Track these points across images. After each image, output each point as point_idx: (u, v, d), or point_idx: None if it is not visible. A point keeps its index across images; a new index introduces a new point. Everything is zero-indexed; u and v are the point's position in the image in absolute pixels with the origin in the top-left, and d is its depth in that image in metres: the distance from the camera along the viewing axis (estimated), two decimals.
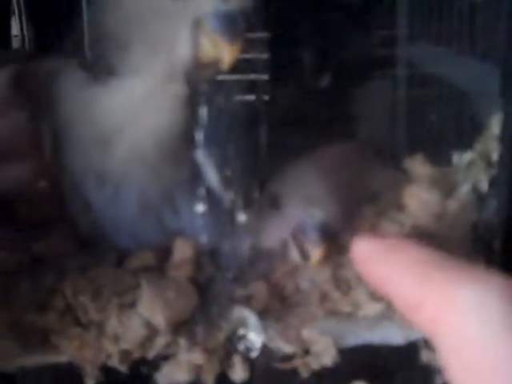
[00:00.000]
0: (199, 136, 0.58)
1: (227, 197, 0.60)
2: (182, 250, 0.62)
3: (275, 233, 0.67)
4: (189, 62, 0.60)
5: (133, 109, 0.61)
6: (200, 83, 0.59)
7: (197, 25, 0.59)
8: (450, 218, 0.65)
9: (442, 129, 0.80)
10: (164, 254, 0.64)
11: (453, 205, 0.66)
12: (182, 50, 0.60)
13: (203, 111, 0.58)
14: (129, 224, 0.65)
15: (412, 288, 0.46)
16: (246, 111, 0.60)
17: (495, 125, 0.66)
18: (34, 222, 0.67)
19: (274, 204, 0.67)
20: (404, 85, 0.98)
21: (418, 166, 0.71)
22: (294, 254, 0.67)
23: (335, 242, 0.66)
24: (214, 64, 0.59)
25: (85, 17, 0.63)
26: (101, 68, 0.62)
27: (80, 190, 0.65)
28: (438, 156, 0.73)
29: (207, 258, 0.62)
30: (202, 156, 0.61)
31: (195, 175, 0.61)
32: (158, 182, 0.63)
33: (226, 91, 0.59)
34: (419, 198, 0.66)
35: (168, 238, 0.64)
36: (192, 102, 0.60)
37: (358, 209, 0.71)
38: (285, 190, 0.68)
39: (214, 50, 0.58)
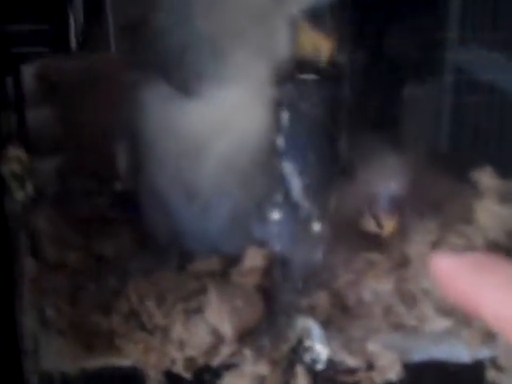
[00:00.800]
0: (283, 143, 0.57)
1: (305, 206, 0.58)
2: (253, 258, 0.61)
3: (350, 202, 0.67)
4: (290, 61, 0.58)
5: (224, 119, 0.59)
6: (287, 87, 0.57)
7: (294, 22, 0.57)
8: None
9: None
10: (229, 260, 0.63)
11: None
12: (283, 51, 0.57)
13: (286, 117, 0.56)
14: (212, 234, 0.62)
15: (506, 304, 0.44)
16: (328, 117, 0.58)
17: None
18: (98, 222, 0.66)
19: (350, 174, 0.67)
20: (465, 91, 0.96)
21: (486, 179, 0.69)
22: (370, 224, 0.67)
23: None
24: (313, 62, 0.57)
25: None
26: (188, 80, 0.59)
27: (164, 202, 0.63)
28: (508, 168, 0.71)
29: (277, 266, 0.61)
30: (286, 164, 0.58)
31: (276, 183, 0.59)
32: (249, 194, 0.61)
33: (309, 96, 0.57)
34: (490, 212, 0.65)
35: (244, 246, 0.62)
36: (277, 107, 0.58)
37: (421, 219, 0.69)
38: (361, 160, 0.67)
39: (313, 46, 0.57)
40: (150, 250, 0.65)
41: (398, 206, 0.65)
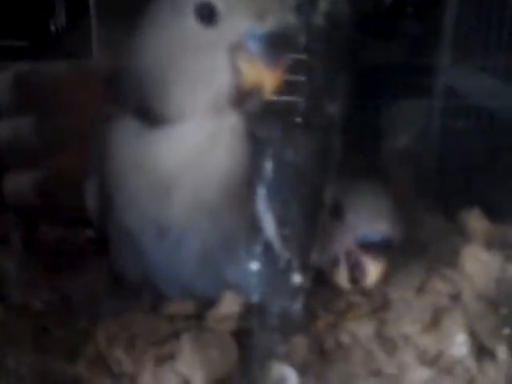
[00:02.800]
0: (261, 187, 0.54)
1: (284, 256, 0.55)
2: (229, 304, 0.58)
3: (334, 243, 0.64)
4: (232, 91, 0.55)
5: (189, 153, 0.56)
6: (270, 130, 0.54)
7: (234, 51, 0.55)
8: (509, 284, 0.61)
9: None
10: (204, 303, 0.60)
11: None
12: (223, 80, 0.55)
13: (267, 161, 0.53)
14: (183, 274, 0.59)
15: None
16: (312, 165, 0.55)
17: None
18: (67, 261, 0.62)
19: (337, 214, 0.64)
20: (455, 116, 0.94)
21: (474, 221, 0.67)
22: (343, 275, 0.64)
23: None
24: (258, 90, 0.55)
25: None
26: (153, 114, 0.57)
27: (133, 239, 0.59)
28: (498, 209, 0.69)
29: (253, 314, 0.58)
30: (262, 209, 0.56)
31: (254, 229, 0.56)
32: (220, 232, 0.58)
33: (294, 144, 0.53)
34: (478, 260, 0.62)
35: (218, 288, 0.59)
36: (255, 149, 0.55)
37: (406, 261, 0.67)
38: (349, 200, 0.64)
39: (256, 75, 0.54)
40: (121, 291, 0.61)
41: (385, 254, 0.63)
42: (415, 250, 0.69)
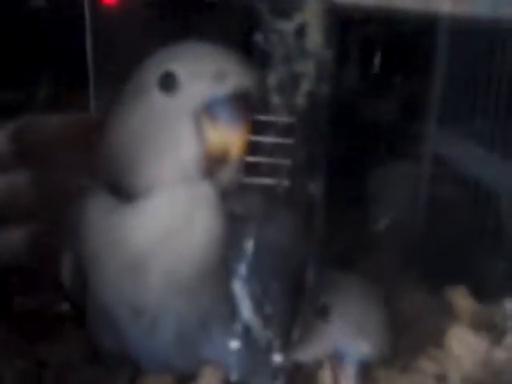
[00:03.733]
0: (237, 265, 0.53)
1: (263, 335, 0.54)
2: (209, 380, 0.56)
3: (318, 343, 0.62)
4: (200, 159, 0.55)
5: (161, 229, 0.54)
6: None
7: (197, 117, 0.54)
8: (496, 367, 0.60)
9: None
10: (183, 378, 0.58)
11: (500, 354, 0.60)
12: (189, 148, 0.55)
13: (245, 239, 0.52)
14: (160, 351, 0.58)
15: None
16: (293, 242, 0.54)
17: None
18: (40, 324, 0.60)
19: (323, 314, 0.62)
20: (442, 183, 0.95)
21: (460, 299, 0.66)
22: (326, 379, 0.61)
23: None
24: (225, 155, 0.54)
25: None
26: (123, 188, 0.56)
27: (109, 315, 0.57)
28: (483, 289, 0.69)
29: None
30: (238, 287, 0.54)
31: (233, 306, 0.55)
32: (195, 312, 0.56)
33: (272, 220, 0.53)
34: (464, 341, 0.61)
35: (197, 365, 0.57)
36: (232, 225, 0.54)
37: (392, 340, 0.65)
38: (337, 303, 0.62)
39: (221, 139, 0.54)
40: (99, 362, 0.59)
41: (364, 369, 0.61)
42: (400, 326, 0.67)
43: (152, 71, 0.56)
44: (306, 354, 0.61)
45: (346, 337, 0.61)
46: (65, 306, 0.62)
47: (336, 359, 0.61)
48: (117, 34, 0.90)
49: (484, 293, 0.71)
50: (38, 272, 0.64)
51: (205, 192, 0.55)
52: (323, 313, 0.62)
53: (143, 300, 0.55)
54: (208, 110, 0.54)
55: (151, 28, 0.91)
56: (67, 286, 0.61)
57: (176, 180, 0.55)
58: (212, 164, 0.55)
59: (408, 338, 0.67)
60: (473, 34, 0.85)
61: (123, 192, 0.56)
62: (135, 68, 0.58)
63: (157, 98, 0.55)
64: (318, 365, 0.61)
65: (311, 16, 0.52)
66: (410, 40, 0.99)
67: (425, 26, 0.89)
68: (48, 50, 0.89)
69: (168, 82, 0.55)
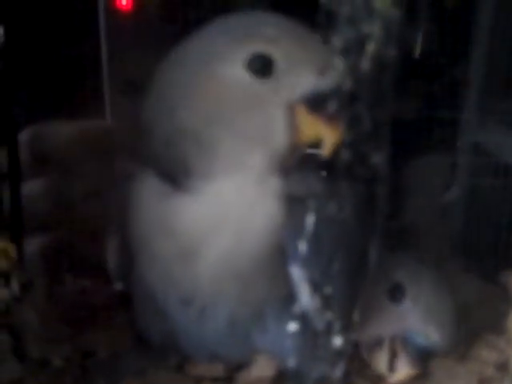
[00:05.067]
0: (297, 248, 0.50)
1: (322, 319, 0.51)
2: (263, 368, 0.54)
3: (382, 323, 0.60)
4: (288, 151, 0.52)
5: (221, 215, 0.52)
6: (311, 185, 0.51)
7: (292, 108, 0.51)
8: None
9: None
10: (234, 367, 0.56)
11: None
12: (280, 139, 0.51)
13: (307, 221, 0.49)
14: (210, 340, 0.56)
15: None
16: (357, 222, 0.52)
17: None
18: (89, 315, 0.59)
19: (396, 296, 0.60)
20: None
21: None
22: (382, 360, 0.59)
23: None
24: (317, 148, 0.51)
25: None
26: (181, 173, 0.52)
27: (158, 304, 0.55)
28: None
29: (289, 379, 0.54)
30: (297, 271, 0.51)
31: (289, 291, 0.52)
32: (250, 300, 0.53)
33: (337, 199, 0.50)
34: None
35: (248, 354, 0.55)
36: (293, 209, 0.51)
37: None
38: (411, 287, 0.60)
39: (315, 134, 0.51)
40: (146, 349, 0.58)
41: (425, 358, 0.59)
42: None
43: (235, 47, 0.51)
44: (371, 334, 0.59)
45: (416, 321, 0.58)
46: (112, 288, 0.60)
47: (399, 342, 0.59)
48: (131, 39, 0.88)
49: None
50: (82, 258, 0.63)
51: (275, 185, 0.53)
52: (395, 293, 0.60)
53: (194, 288, 0.53)
54: (307, 103, 0.51)
55: (166, 33, 0.88)
56: (112, 270, 0.59)
57: (255, 170, 0.52)
58: (298, 156, 0.53)
59: (465, 326, 0.64)
60: None
61: (177, 178, 0.53)
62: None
63: (242, 79, 0.51)
64: (378, 344, 0.59)
65: None
66: None
67: None
68: (62, 56, 0.88)
69: (262, 66, 0.50)
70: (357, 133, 0.48)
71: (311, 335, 0.51)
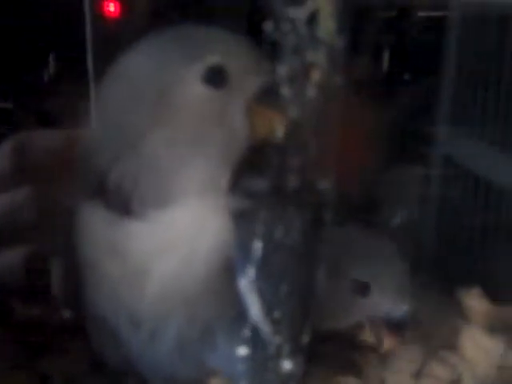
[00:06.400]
0: (246, 266, 0.51)
1: (273, 341, 0.52)
2: None
3: (356, 315, 0.66)
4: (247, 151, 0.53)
5: (171, 238, 0.52)
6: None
7: (247, 107, 0.52)
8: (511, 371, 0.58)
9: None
10: None
11: None
12: (241, 140, 0.52)
13: (255, 241, 0.49)
14: (163, 362, 0.56)
15: None
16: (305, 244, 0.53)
17: None
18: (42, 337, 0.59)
19: (363, 291, 0.64)
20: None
21: (474, 301, 0.64)
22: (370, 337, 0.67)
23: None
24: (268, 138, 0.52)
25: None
26: (129, 203, 0.51)
27: (110, 329, 0.56)
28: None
29: None
30: (247, 290, 0.52)
31: (240, 311, 0.53)
32: (198, 319, 0.54)
33: (286, 222, 0.51)
34: (478, 345, 0.59)
35: (202, 375, 0.56)
36: (242, 228, 0.52)
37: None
38: (375, 280, 0.64)
39: (266, 123, 0.52)
40: (102, 373, 0.58)
41: (402, 327, 0.64)
42: (412, 329, 0.65)
43: (189, 63, 0.51)
44: (351, 323, 0.66)
45: (386, 303, 0.63)
46: (63, 316, 0.60)
47: (378, 321, 0.65)
48: (119, 46, 0.88)
49: (498, 294, 0.69)
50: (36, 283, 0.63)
51: (221, 197, 0.53)
52: (363, 289, 0.64)
53: (142, 310, 0.53)
54: (257, 99, 0.52)
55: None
56: (58, 296, 0.59)
57: (213, 187, 0.52)
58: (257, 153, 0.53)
59: (420, 341, 0.65)
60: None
61: (129, 206, 0.52)
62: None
63: (202, 93, 0.51)
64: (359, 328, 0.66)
65: (323, 3, 0.50)
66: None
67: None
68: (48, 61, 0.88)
69: (218, 77, 0.51)
70: (303, 161, 0.49)
71: (262, 357, 0.51)
